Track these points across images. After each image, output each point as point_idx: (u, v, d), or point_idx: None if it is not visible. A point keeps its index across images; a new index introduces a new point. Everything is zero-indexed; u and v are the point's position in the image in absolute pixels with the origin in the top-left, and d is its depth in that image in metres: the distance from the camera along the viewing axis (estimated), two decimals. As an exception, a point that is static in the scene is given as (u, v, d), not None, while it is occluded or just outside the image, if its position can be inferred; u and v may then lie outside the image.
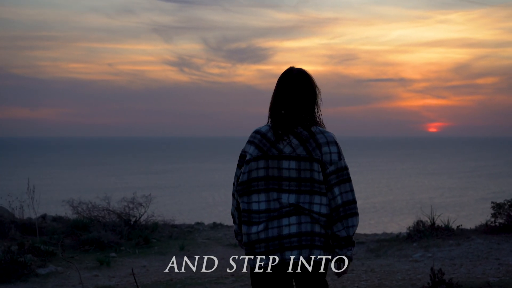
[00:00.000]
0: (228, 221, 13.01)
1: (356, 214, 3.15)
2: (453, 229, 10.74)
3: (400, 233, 11.66)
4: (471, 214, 34.59)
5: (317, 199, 3.12)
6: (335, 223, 3.13)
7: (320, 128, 3.20)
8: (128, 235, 11.29)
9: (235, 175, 3.27)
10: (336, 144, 3.17)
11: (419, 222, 10.97)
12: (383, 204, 45.14)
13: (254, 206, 3.15)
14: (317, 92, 3.24)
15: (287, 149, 3.13)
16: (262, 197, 3.15)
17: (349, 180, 3.15)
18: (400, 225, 36.06)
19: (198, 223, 14.23)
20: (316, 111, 3.24)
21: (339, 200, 3.11)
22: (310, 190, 3.12)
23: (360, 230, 32.83)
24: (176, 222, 13.65)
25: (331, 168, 3.12)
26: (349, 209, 3.12)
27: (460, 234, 10.57)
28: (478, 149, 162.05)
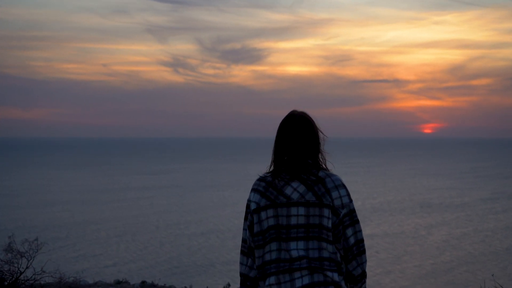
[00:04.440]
0: (164, 279, 10.30)
1: (365, 251, 3.18)
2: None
3: None
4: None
5: (324, 245, 3.00)
6: (349, 262, 3.11)
7: (327, 172, 3.08)
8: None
9: (244, 229, 3.10)
10: (344, 187, 3.09)
11: None
12: (383, 205, 43.96)
13: (267, 257, 3.01)
14: (320, 136, 3.16)
15: (295, 195, 3.00)
16: (274, 246, 3.00)
17: (358, 221, 3.15)
18: (401, 225, 34.89)
19: (118, 283, 9.78)
20: (320, 155, 3.13)
21: (352, 240, 3.09)
22: (318, 236, 2.99)
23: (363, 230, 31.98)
24: (91, 281, 9.34)
25: (344, 211, 3.06)
26: (361, 247, 3.12)
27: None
28: (473, 150, 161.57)
